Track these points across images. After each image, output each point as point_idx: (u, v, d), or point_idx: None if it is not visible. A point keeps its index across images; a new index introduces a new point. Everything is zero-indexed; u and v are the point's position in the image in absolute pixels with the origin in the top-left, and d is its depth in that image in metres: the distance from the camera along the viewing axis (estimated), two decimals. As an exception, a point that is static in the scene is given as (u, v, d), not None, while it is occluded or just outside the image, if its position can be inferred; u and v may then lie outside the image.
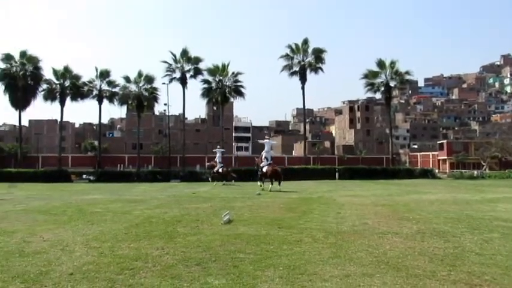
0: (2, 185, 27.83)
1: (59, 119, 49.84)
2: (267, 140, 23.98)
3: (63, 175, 35.92)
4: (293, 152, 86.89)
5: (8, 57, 43.48)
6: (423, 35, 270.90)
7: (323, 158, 66.88)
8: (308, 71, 45.49)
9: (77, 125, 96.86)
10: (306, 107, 47.82)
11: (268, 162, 22.49)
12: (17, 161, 46.35)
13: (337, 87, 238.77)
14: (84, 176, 35.97)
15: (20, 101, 43.20)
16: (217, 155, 29.55)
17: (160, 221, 9.67)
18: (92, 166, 50.24)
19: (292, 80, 48.77)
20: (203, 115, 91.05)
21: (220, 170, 29.17)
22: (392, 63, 45.46)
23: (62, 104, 44.98)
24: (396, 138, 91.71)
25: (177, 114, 77.86)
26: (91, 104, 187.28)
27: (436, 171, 48.68)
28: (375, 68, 45.69)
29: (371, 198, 16.04)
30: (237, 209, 11.93)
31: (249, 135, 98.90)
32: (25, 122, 74.51)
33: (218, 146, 31.61)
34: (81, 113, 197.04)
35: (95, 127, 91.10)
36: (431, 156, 70.64)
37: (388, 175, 37.84)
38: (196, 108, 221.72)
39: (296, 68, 45.72)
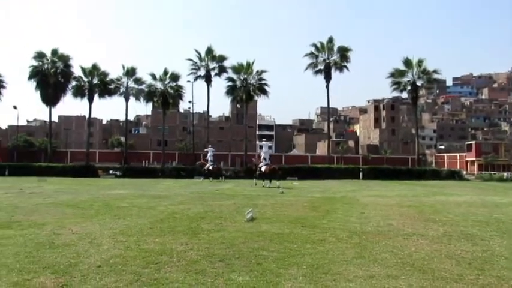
0: (32, 178, 28.74)
1: (87, 116, 50.94)
2: (265, 142, 26.19)
3: (90, 170, 36.76)
4: (316, 151, 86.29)
5: (40, 55, 44.83)
6: (452, 33, 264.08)
7: (347, 157, 66.20)
8: (333, 70, 45.04)
9: (104, 122, 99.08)
10: (330, 106, 47.34)
11: (266, 162, 24.62)
12: (46, 155, 47.78)
13: (362, 86, 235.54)
14: (110, 171, 36.71)
15: (51, 97, 44.51)
16: (209, 153, 31.22)
17: (184, 217, 9.80)
18: (118, 162, 51.28)
19: (317, 78, 48.44)
20: (227, 113, 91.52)
21: (211, 168, 30.82)
22: (420, 61, 44.48)
23: (90, 100, 46.01)
24: (422, 138, 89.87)
25: (202, 112, 78.67)
26: (118, 101, 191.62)
27: (464, 172, 47.39)
28: (402, 67, 44.80)
29: (396, 198, 15.77)
30: (260, 207, 11.96)
31: (272, 133, 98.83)
32: (55, 118, 77.01)
33: (210, 146, 33.72)
34: (108, 109, 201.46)
35: (121, 123, 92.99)
36: (458, 157, 68.82)
37: (413, 176, 37.10)
38: (220, 106, 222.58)
39: (321, 67, 45.33)
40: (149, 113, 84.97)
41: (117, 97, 48.17)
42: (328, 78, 44.91)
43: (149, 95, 47.52)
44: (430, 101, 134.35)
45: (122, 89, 47.47)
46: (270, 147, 26.39)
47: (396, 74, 44.94)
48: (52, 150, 47.72)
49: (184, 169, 38.79)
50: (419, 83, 45.22)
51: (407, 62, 44.50)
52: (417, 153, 46.20)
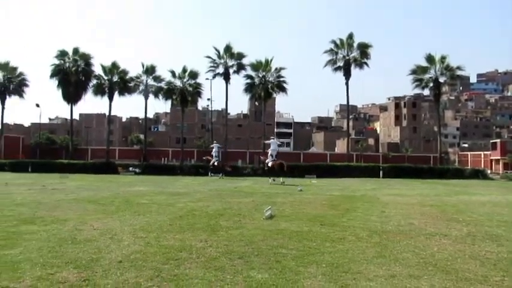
0: (55, 175, 29.41)
1: (107, 113, 51.83)
2: (273, 140, 26.49)
3: (110, 167, 37.35)
4: (335, 148, 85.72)
5: (62, 54, 45.81)
6: (476, 28, 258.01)
7: (366, 155, 65.57)
8: (352, 66, 44.63)
9: (123, 119, 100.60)
10: (350, 103, 46.89)
11: (273, 159, 25.17)
12: (68, 152, 48.87)
13: (382, 83, 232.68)
14: (130, 169, 37.22)
15: (72, 95, 45.47)
16: (214, 149, 31.69)
17: (203, 214, 9.88)
18: (137, 159, 51.99)
19: (336, 75, 48.07)
20: (245, 110, 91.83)
21: (216, 164, 31.33)
22: (443, 57, 43.62)
23: (110, 98, 46.78)
24: (445, 136, 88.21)
25: (220, 110, 79.17)
26: (137, 98, 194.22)
27: (488, 171, 46.30)
28: (424, 63, 44.02)
29: (417, 197, 15.54)
30: (279, 205, 11.96)
31: (291, 131, 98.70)
32: (76, 116, 78.55)
33: (215, 142, 34.04)
34: (128, 107, 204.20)
35: (140, 121, 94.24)
36: (482, 156, 67.23)
37: (435, 175, 36.44)
38: (239, 104, 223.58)
39: (340, 63, 44.96)
40: (168, 110, 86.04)
41: (137, 95, 48.95)
42: (347, 75, 44.52)
43: (168, 92, 48.03)
44: (453, 98, 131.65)
45: (141, 87, 48.13)
46: (279, 146, 27.05)
47: (418, 71, 44.20)
48: (73, 148, 48.77)
49: (202, 166, 39.04)
50: (441, 79, 44.42)
51: (430, 58, 43.70)
52: (439, 152, 45.39)
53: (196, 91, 48.44)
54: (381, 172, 36.25)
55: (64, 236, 6.85)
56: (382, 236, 7.29)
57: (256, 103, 69.07)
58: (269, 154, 25.87)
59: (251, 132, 76.02)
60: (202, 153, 60.80)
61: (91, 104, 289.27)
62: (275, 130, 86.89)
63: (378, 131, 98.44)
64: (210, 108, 58.52)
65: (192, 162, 52.43)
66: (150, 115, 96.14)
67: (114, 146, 65.93)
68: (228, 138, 49.44)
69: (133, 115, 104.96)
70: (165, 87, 48.03)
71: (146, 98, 47.57)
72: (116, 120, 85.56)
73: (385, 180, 31.29)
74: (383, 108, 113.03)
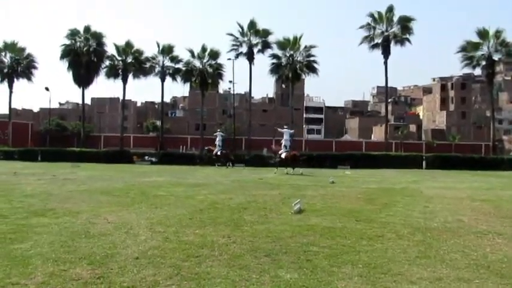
0: (66, 164, 30.22)
1: (121, 97, 52.73)
2: (286, 129, 26.95)
3: (125, 156, 38.11)
4: (372, 136, 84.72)
5: (73, 33, 46.79)
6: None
7: (407, 143, 64.58)
8: (392, 43, 43.82)
9: (138, 104, 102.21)
10: (389, 85, 46.20)
11: (287, 149, 25.77)
12: (79, 140, 50.16)
13: (426, 62, 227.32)
14: (146, 158, 37.89)
15: (83, 78, 46.56)
16: (218, 138, 32.67)
17: (225, 207, 9.96)
18: (153, 147, 52.90)
19: (373, 53, 47.54)
20: (271, 94, 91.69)
21: (219, 153, 32.24)
22: (498, 32, 42.17)
23: (124, 81, 47.62)
24: (499, 122, 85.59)
25: (243, 93, 79.20)
26: (153, 81, 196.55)
27: (549, 162, 44.78)
28: (475, 39, 42.71)
29: (467, 191, 15.19)
30: (309, 198, 11.93)
31: (322, 116, 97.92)
32: (88, 101, 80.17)
33: (219, 130, 35.09)
34: (143, 91, 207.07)
35: (156, 106, 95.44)
36: (543, 145, 65.13)
37: (487, 166, 35.48)
38: (264, 87, 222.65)
39: (378, 40, 44.20)
40: (186, 94, 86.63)
41: (153, 77, 49.64)
42: (386, 53, 43.75)
43: (186, 74, 48.54)
44: (508, 78, 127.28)
45: (158, 69, 48.70)
46: (291, 135, 27.71)
47: (468, 48, 42.91)
48: (85, 135, 50.06)
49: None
50: (496, 57, 43.09)
51: (482, 33, 42.27)
52: (492, 140, 44.24)
53: (217, 72, 48.74)
54: (423, 162, 35.63)
55: (77, 230, 7.04)
56: (426, 234, 7.17)
57: (283, 85, 68.87)
58: (282, 145, 26.53)
59: (277, 118, 75.85)
60: (223, 141, 61.32)
61: (104, 87, 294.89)
62: (304, 115, 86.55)
63: (421, 116, 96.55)
64: (232, 92, 58.60)
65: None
66: (167, 99, 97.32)
67: (128, 133, 67.26)
68: (251, 124, 49.55)
69: (148, 99, 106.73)
70: (183, 68, 48.55)
71: (163, 80, 48.12)
72: (130, 105, 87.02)
73: (429, 171, 30.73)
74: (427, 91, 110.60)
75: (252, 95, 59.17)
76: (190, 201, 11.03)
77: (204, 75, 47.77)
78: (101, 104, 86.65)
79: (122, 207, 9.64)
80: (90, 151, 39.54)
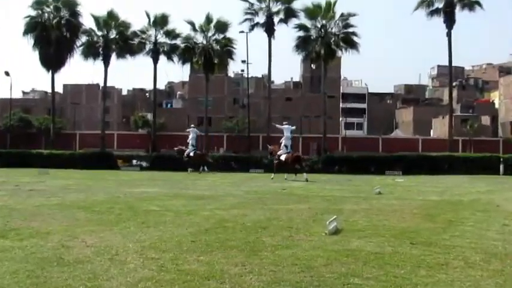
0: (31, 170, 30.62)
1: (101, 84, 53.20)
2: (286, 126, 27.74)
3: (107, 160, 38.48)
4: (431, 131, 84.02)
5: (38, 2, 47.03)
6: None
7: (479, 141, 63.86)
8: (458, 8, 43.41)
9: (124, 92, 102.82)
10: (454, 64, 45.74)
11: (288, 151, 26.89)
12: (48, 139, 50.66)
13: (503, 33, 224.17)
14: (134, 162, 38.25)
15: (53, 59, 46.89)
16: (190, 135, 33.96)
17: (238, 226, 9.99)
18: (144, 148, 53.37)
19: (433, 22, 47.31)
20: (296, 77, 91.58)
21: (191, 154, 33.40)
22: None
23: (106, 62, 47.95)
24: None
25: (260, 76, 79.19)
26: (143, 62, 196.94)
27: None
28: None
29: (559, 204, 14.98)
30: (348, 214, 11.88)
31: (364, 105, 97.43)
32: (59, 88, 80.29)
33: (192, 125, 36.64)
34: (130, 75, 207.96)
35: (147, 94, 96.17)
36: None
37: None
38: (287, 68, 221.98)
39: (439, 4, 43.81)
40: (186, 79, 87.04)
41: (143, 57, 49.81)
42: (450, 21, 43.33)
43: (186, 53, 48.69)
44: None
45: (149, 46, 48.94)
46: (292, 132, 28.71)
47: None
48: (56, 133, 50.48)
49: (236, 158, 39.48)
50: None
51: None
52: None
53: (226, 50, 48.81)
54: (501, 166, 35.27)
55: (47, 256, 7.11)
56: (506, 262, 7.09)
57: (313, 66, 68.44)
58: (282, 144, 27.53)
59: (305, 109, 75.81)
60: (235, 139, 61.53)
61: (79, 70, 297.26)
62: (341, 105, 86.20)
63: (497, 105, 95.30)
64: (245, 75, 58.65)
65: (221, 152, 53.12)
66: (161, 86, 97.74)
67: (111, 130, 67.89)
68: (271, 117, 49.46)
69: (137, 86, 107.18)
70: (182, 45, 48.69)
71: (156, 61, 48.28)
72: (113, 94, 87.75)
73: (508, 178, 30.38)
74: (504, 71, 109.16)
75: (272, 79, 59.28)
76: (192, 218, 11.09)
77: (209, 54, 47.85)
78: (76, 93, 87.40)
79: (105, 227, 9.73)
80: (63, 154, 40.01)
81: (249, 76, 59.06)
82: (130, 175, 29.52)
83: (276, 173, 27.29)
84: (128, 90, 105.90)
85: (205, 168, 33.18)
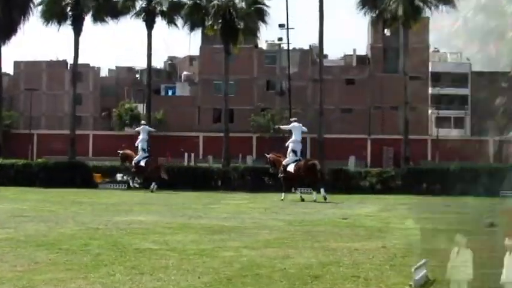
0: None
1: (70, 61, 53.60)
2: (295, 124, 28.50)
3: (79, 173, 38.72)
4: None
5: None
6: None
7: None
8: None
9: (104, 72, 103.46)
10: None
11: (297, 158, 27.63)
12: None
13: None
14: (118, 177, 38.35)
15: (1, 24, 47.45)
16: (140, 136, 34.63)
17: (276, 274, 9.97)
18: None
19: None
20: (362, 50, 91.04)
21: (142, 163, 33.59)
22: None
23: (77, 29, 48.29)
24: None
25: (307, 48, 79.01)
26: (132, 28, 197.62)
27: None
28: None
29: None
30: (443, 257, 11.76)
31: (466, 91, 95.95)
32: (8, 67, 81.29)
33: (142, 122, 37.72)
34: (113, 48, 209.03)
35: (138, 76, 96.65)
36: None
37: None
38: (348, 36, 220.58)
39: None
40: (195, 52, 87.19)
41: (130, 20, 50.04)
42: None
43: (195, 13, 48.68)
44: None
45: (140, 4, 49.20)
46: (303, 132, 28.92)
47: None
48: (4, 132, 50.99)
49: (267, 172, 39.34)
50: None
51: None
52: None
53: (256, 9, 48.71)
54: None
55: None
56: None
57: (387, 32, 68.16)
58: (288, 151, 28.06)
59: (375, 97, 75.26)
60: (268, 142, 61.34)
61: (38, 41, 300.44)
62: (429, 90, 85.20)
63: None
64: (285, 46, 58.65)
65: (249, 161, 53.01)
66: (159, 63, 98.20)
67: (85, 129, 68.29)
68: (323, 110, 49.17)
69: (122, 64, 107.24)
70: (189, 1, 48.79)
71: (150, 26, 48.63)
72: (88, 75, 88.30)
73: None
74: None
75: (325, 52, 58.99)
76: (207, 261, 11.08)
77: (229, 15, 47.76)
78: (33, 74, 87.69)
79: (77, 273, 9.76)
80: (15, 163, 40.26)
81: (291, 48, 59.04)
82: (113, 196, 29.63)
83: (287, 191, 27.67)
84: (110, 70, 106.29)
85: (155, 186, 33.09)
